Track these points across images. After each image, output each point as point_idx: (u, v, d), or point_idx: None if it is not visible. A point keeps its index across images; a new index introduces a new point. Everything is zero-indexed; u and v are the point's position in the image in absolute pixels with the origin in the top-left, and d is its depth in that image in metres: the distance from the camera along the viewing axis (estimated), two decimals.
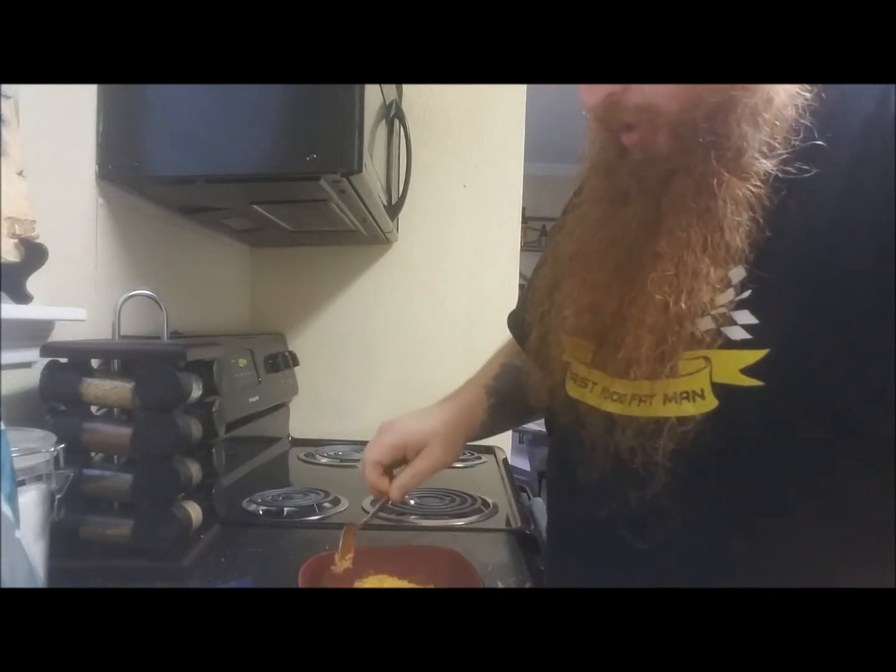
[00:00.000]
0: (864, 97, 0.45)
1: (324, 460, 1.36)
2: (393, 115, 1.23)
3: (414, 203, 1.49)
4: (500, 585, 0.72)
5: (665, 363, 0.48)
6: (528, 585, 0.72)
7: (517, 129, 1.56)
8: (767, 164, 0.45)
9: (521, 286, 1.64)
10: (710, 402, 0.45)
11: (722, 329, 0.46)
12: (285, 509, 0.97)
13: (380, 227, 1.34)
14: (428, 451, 0.69)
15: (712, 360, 0.46)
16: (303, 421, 1.58)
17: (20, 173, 0.74)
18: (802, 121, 0.46)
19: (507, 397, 0.77)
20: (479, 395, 0.77)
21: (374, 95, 1.01)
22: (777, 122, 0.46)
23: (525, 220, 4.42)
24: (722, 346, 0.45)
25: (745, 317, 0.45)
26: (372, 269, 1.59)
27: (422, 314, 1.59)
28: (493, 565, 0.77)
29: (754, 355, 0.44)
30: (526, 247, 4.53)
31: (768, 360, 0.43)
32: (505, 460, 1.43)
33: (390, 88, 1.25)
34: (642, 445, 0.48)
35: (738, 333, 0.45)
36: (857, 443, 0.42)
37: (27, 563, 0.51)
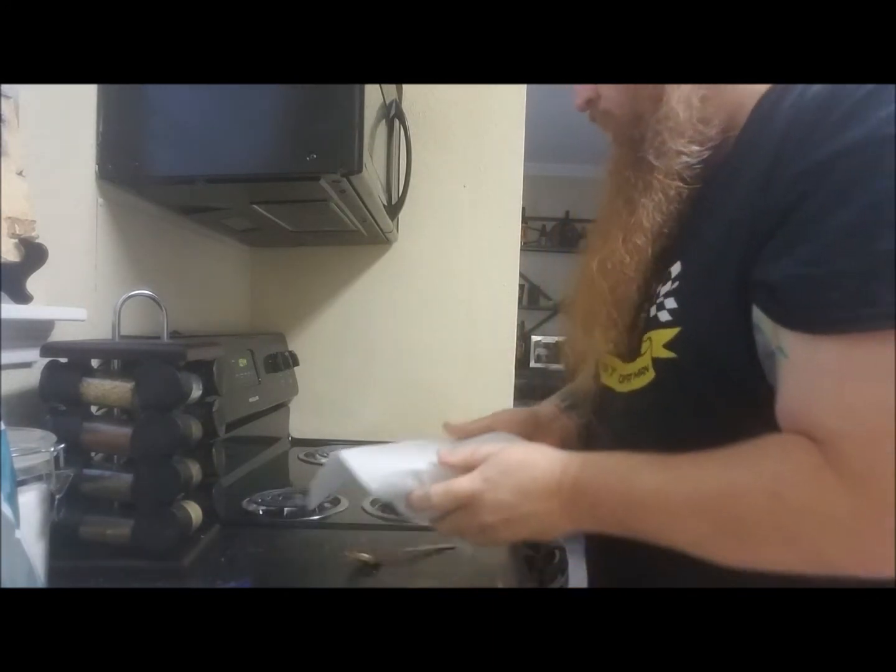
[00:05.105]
0: (789, 98, 0.49)
1: (324, 460, 1.36)
2: (393, 115, 1.23)
3: (414, 203, 1.49)
4: (501, 585, 0.72)
5: (595, 319, 0.60)
6: (528, 585, 0.72)
7: (517, 129, 1.56)
8: (696, 150, 0.54)
9: (521, 286, 1.64)
10: (651, 374, 0.56)
11: (657, 314, 0.55)
12: (285, 509, 0.97)
13: (380, 227, 1.34)
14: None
15: (652, 340, 0.55)
16: (303, 421, 1.58)
17: (20, 173, 0.74)
18: (714, 113, 0.55)
19: (577, 415, 0.76)
20: (553, 410, 0.79)
21: (374, 95, 1.01)
22: (699, 104, 0.54)
23: (525, 220, 4.43)
24: (656, 328, 0.55)
25: (671, 303, 0.54)
26: (372, 269, 1.59)
27: (422, 314, 1.59)
28: (493, 565, 0.77)
29: (671, 332, 0.53)
30: (526, 247, 4.52)
31: (681, 336, 0.52)
32: None
33: (390, 88, 1.25)
34: (613, 414, 0.61)
35: (665, 316, 0.54)
36: (750, 412, 0.49)
37: (27, 563, 0.51)
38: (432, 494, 0.58)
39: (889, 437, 0.40)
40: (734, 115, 0.54)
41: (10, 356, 0.75)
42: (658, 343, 0.54)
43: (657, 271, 0.57)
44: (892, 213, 0.40)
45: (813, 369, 0.44)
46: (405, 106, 1.41)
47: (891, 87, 0.43)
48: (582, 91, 0.62)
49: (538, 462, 0.56)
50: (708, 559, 0.47)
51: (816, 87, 0.47)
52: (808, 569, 0.44)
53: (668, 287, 0.55)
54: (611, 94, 0.60)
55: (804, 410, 0.44)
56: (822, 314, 0.42)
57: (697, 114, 0.55)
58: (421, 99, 1.53)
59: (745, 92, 0.54)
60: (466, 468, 0.58)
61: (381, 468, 0.61)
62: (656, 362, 0.55)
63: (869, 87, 0.44)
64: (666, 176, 0.56)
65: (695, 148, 0.55)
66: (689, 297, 0.53)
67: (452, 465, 0.59)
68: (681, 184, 0.55)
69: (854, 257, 0.41)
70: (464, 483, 0.57)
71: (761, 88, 0.53)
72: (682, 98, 0.55)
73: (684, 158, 0.55)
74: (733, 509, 0.46)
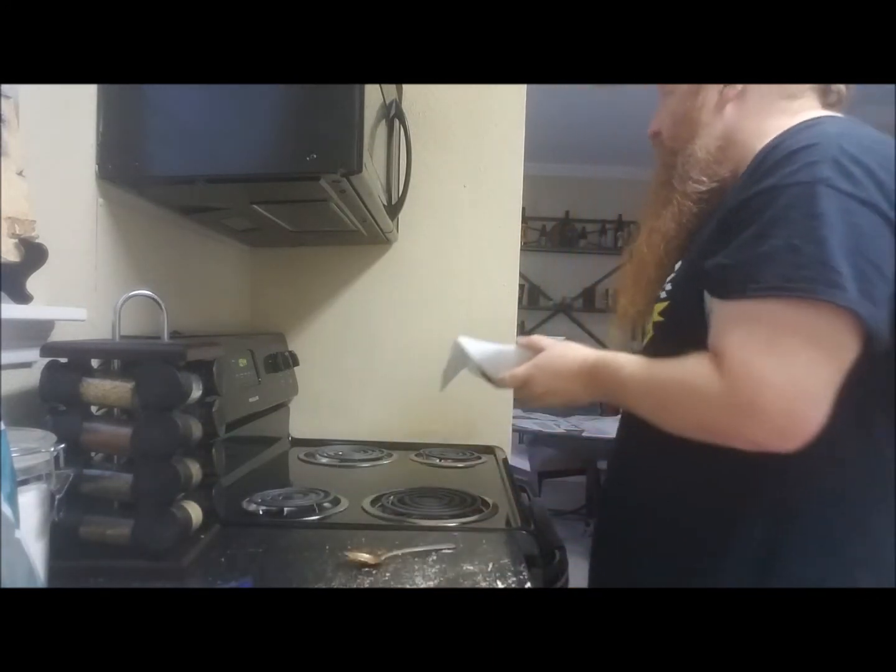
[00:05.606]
0: (759, 156, 0.71)
1: (324, 460, 1.36)
2: (393, 115, 1.23)
3: (414, 203, 1.49)
4: (500, 585, 0.72)
5: (624, 291, 0.87)
6: (528, 585, 0.72)
7: (517, 129, 1.56)
8: (705, 181, 0.78)
9: (521, 286, 1.64)
10: (651, 334, 0.81)
11: (660, 293, 0.80)
12: (285, 509, 0.97)
13: (380, 227, 1.34)
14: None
15: (654, 311, 0.80)
16: (303, 421, 1.58)
17: (20, 173, 0.74)
18: (726, 158, 0.77)
19: None
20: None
21: (374, 95, 1.01)
22: (715, 151, 0.78)
23: (525, 220, 4.43)
24: (657, 303, 0.80)
25: (669, 286, 0.79)
26: (372, 269, 1.59)
27: (422, 314, 1.59)
28: (493, 565, 0.77)
29: (664, 304, 0.78)
30: (526, 247, 4.53)
31: (668, 306, 0.78)
32: (505, 460, 1.43)
33: (390, 88, 1.25)
34: None
35: (663, 294, 0.79)
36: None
37: (27, 563, 0.51)
38: (507, 378, 0.89)
39: (751, 353, 0.63)
40: (741, 163, 0.74)
41: (10, 356, 0.75)
42: (656, 312, 0.80)
43: (670, 269, 0.80)
44: (777, 229, 0.63)
45: (720, 319, 0.68)
46: (405, 106, 1.41)
47: (805, 149, 0.65)
48: (654, 124, 0.87)
49: (569, 355, 0.85)
50: (660, 427, 0.71)
51: (774, 153, 0.68)
52: (699, 435, 0.67)
53: (670, 277, 0.80)
54: (666, 129, 0.85)
55: (713, 341, 0.68)
56: (726, 287, 0.67)
57: (712, 157, 0.78)
58: (421, 99, 1.53)
59: (749, 147, 0.74)
60: (533, 349, 0.89)
61: (485, 348, 0.94)
62: (654, 325, 0.80)
63: (791, 150, 0.66)
64: (682, 196, 0.79)
65: (704, 179, 0.78)
66: (678, 282, 0.78)
67: (525, 345, 0.91)
68: (691, 204, 0.79)
69: (748, 253, 0.65)
70: (523, 369, 0.88)
71: (760, 146, 0.72)
72: (703, 145, 0.78)
73: (696, 186, 0.78)
74: (664, 392, 0.71)
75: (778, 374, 0.61)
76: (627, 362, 0.76)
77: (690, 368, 0.68)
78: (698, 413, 0.67)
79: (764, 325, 0.63)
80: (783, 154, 0.67)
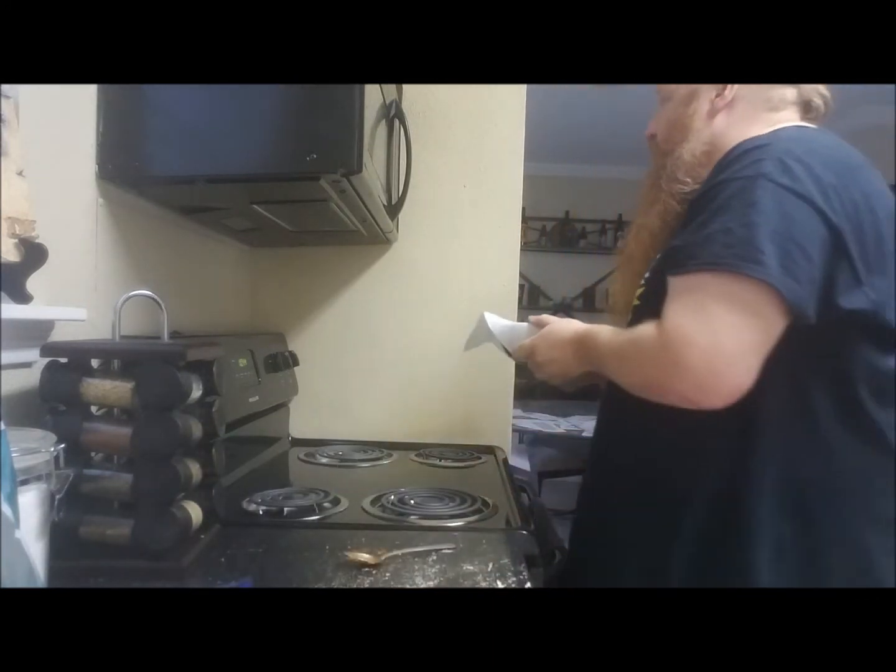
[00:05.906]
0: (743, 143, 0.77)
1: (324, 460, 1.36)
2: (393, 115, 1.23)
3: (414, 203, 1.49)
4: (500, 585, 0.72)
5: (615, 281, 0.99)
6: (528, 585, 0.73)
7: (517, 129, 1.56)
8: (689, 182, 0.85)
9: (521, 286, 1.64)
10: (630, 316, 0.90)
11: (641, 281, 0.89)
12: (285, 509, 0.97)
13: (380, 227, 1.34)
14: None
15: (635, 294, 0.90)
16: (303, 421, 1.58)
17: (20, 173, 0.74)
18: (710, 162, 0.82)
19: None
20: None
21: (374, 95, 1.01)
22: (700, 155, 0.85)
23: (525, 220, 4.43)
24: (637, 288, 0.90)
25: (647, 274, 0.88)
26: (372, 269, 1.59)
27: (422, 314, 1.59)
28: (493, 565, 0.77)
29: (641, 289, 0.88)
30: (526, 247, 4.53)
31: (644, 291, 0.88)
32: (505, 460, 1.43)
33: (390, 88, 1.25)
34: None
35: (641, 282, 0.89)
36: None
37: (27, 563, 0.51)
38: (518, 349, 1.01)
39: (682, 317, 0.71)
40: None
41: (10, 356, 0.75)
42: (635, 296, 0.89)
43: (652, 261, 0.88)
44: (719, 216, 0.72)
45: (668, 292, 0.75)
46: (405, 106, 1.41)
47: (756, 148, 0.73)
48: (651, 126, 0.95)
49: (565, 328, 0.94)
50: (621, 385, 0.81)
51: (732, 152, 0.76)
52: (643, 392, 0.76)
53: (650, 267, 0.89)
54: (661, 133, 0.93)
55: (662, 310, 0.74)
56: (674, 264, 0.75)
57: (697, 161, 0.85)
58: (421, 99, 1.53)
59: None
60: (540, 325, 1.00)
61: (503, 323, 1.09)
62: (633, 308, 0.90)
63: (745, 149, 0.74)
64: (668, 196, 0.87)
65: (689, 181, 0.85)
66: (654, 270, 0.86)
67: (535, 322, 1.03)
68: (675, 203, 0.86)
69: (693, 237, 0.74)
70: (530, 341, 0.98)
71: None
72: (691, 149, 0.86)
73: (681, 187, 0.85)
74: (621, 353, 0.80)
75: (702, 335, 0.69)
76: (604, 332, 0.85)
77: (639, 332, 0.76)
78: (640, 370, 0.77)
79: (695, 294, 0.72)
80: (738, 153, 0.75)
